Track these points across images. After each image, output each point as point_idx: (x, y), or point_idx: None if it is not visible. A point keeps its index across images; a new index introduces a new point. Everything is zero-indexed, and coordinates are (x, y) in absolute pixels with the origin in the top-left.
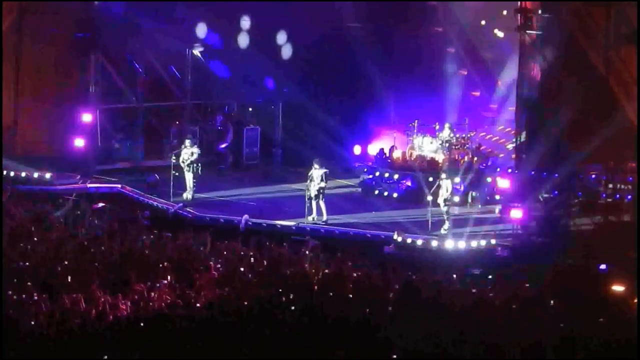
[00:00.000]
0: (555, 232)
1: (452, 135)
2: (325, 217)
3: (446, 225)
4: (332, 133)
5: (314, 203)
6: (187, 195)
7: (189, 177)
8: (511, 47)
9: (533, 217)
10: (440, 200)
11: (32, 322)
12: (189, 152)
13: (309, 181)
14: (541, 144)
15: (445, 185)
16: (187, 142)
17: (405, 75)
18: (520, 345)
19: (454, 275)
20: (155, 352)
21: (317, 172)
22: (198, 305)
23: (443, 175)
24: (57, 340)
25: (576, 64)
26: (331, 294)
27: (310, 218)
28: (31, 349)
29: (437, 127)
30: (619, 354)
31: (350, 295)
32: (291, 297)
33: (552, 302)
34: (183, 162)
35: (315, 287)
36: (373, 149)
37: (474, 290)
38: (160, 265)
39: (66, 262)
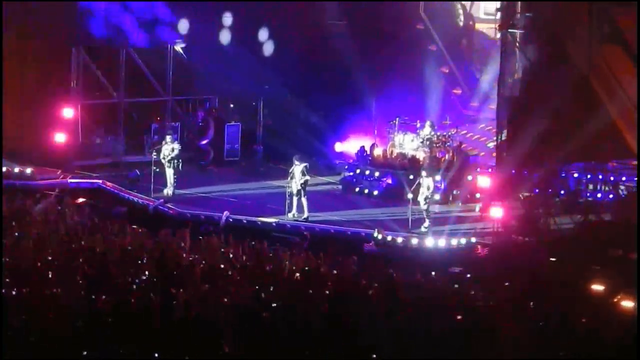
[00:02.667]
0: (535, 231)
1: (433, 132)
2: (306, 215)
3: (426, 223)
4: (313, 130)
5: (295, 200)
6: (168, 191)
7: (169, 173)
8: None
9: (513, 216)
10: (420, 198)
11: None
12: (169, 148)
13: (289, 178)
14: (522, 143)
15: (427, 184)
16: (168, 137)
17: (387, 72)
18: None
19: (432, 273)
20: (136, 349)
21: (297, 168)
22: (175, 302)
23: (424, 174)
24: (38, 335)
25: (558, 62)
26: (311, 291)
27: (290, 215)
28: (13, 346)
29: (419, 124)
30: (601, 353)
31: (327, 292)
32: (271, 290)
33: (531, 303)
34: (164, 158)
35: (295, 285)
36: (354, 146)
37: (456, 286)
38: (140, 262)
39: (49, 258)
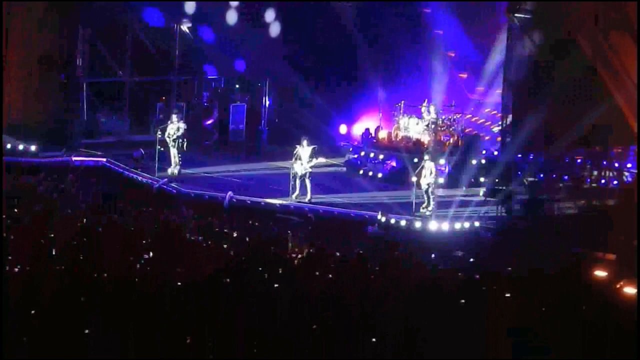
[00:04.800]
0: (539, 216)
1: (436, 117)
2: (309, 197)
3: (430, 206)
4: (318, 111)
5: (298, 181)
6: (173, 170)
7: (174, 153)
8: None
9: (517, 201)
10: (422, 182)
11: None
12: (175, 127)
13: (294, 159)
14: (527, 127)
15: (429, 167)
16: (174, 117)
17: (393, 55)
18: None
19: (432, 255)
20: (135, 327)
21: (305, 150)
22: (180, 283)
23: (426, 157)
24: (39, 312)
25: (564, 48)
26: (317, 273)
27: (293, 196)
28: (13, 323)
29: (424, 107)
30: (602, 340)
31: (330, 275)
32: (280, 270)
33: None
34: (169, 137)
35: (297, 266)
36: (359, 129)
37: (459, 274)
38: (144, 241)
39: (52, 235)
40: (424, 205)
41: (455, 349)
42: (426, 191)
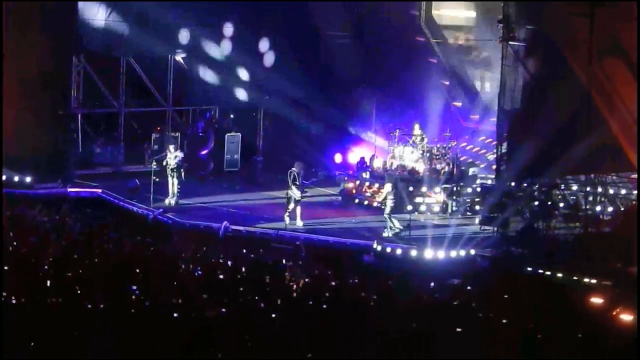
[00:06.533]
0: (534, 243)
1: (423, 134)
2: (301, 223)
3: (394, 226)
4: (313, 141)
5: (296, 206)
6: (170, 201)
7: (174, 183)
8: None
9: (513, 228)
10: (384, 205)
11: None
12: (173, 157)
13: (291, 184)
14: (522, 155)
15: (386, 191)
16: (171, 147)
17: (388, 84)
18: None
19: (432, 284)
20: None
21: (298, 175)
22: (176, 315)
23: (386, 179)
24: (37, 344)
25: (559, 75)
26: (310, 302)
27: (297, 224)
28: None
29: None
30: None
31: (325, 306)
32: (275, 301)
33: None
34: (168, 167)
35: (294, 295)
36: (354, 158)
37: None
38: (138, 271)
39: (46, 267)
40: (388, 229)
41: None
42: (388, 214)
